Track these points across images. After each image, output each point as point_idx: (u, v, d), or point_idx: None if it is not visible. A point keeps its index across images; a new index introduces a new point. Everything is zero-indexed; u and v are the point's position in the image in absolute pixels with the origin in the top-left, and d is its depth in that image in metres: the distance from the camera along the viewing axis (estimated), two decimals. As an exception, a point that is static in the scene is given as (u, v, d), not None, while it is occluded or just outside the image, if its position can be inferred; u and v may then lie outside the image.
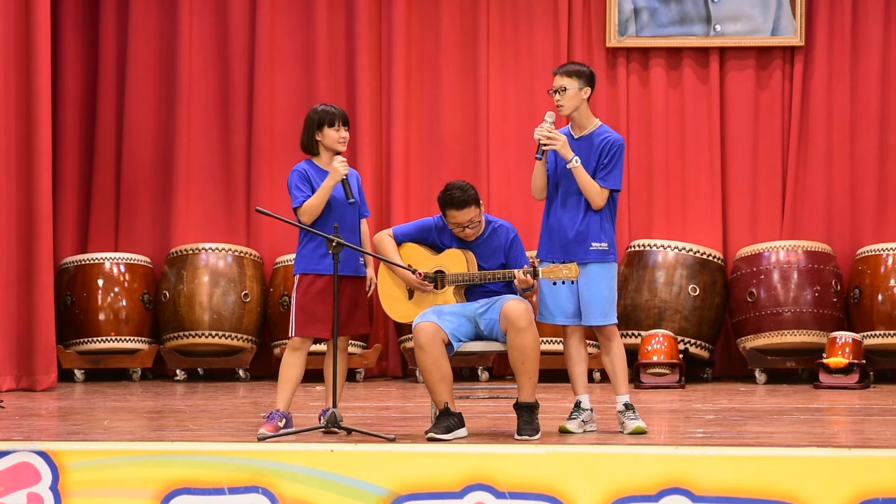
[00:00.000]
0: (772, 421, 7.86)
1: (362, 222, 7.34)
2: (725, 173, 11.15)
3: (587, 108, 7.18)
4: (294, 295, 7.20)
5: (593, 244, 7.09)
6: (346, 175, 7.09)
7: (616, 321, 7.21)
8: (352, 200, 7.10)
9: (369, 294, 7.35)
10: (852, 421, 8.11)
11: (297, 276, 7.21)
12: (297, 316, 7.15)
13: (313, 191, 7.10)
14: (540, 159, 7.11)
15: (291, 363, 7.17)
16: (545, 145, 7.05)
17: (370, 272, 7.32)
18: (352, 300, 7.21)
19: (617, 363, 7.21)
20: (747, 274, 10.56)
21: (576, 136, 7.16)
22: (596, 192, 7.07)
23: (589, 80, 7.14)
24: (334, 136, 7.15)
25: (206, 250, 10.85)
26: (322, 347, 7.43)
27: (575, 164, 7.04)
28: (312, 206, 7.08)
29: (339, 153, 7.16)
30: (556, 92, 7.12)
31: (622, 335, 9.17)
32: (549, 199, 7.20)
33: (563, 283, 6.99)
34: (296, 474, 5.98)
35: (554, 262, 6.98)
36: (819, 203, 11.00)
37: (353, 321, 7.23)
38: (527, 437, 6.82)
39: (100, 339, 10.74)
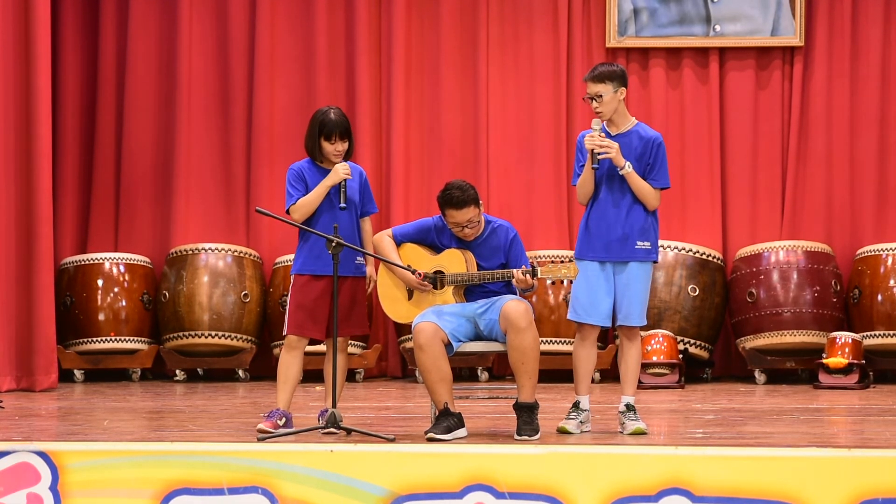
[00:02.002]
0: (771, 421, 7.86)
1: (366, 220, 7.35)
2: (725, 173, 11.15)
3: (624, 108, 7.15)
4: (289, 294, 7.24)
5: (638, 243, 7.09)
6: (346, 179, 7.10)
7: (646, 322, 7.22)
8: (343, 206, 7.10)
9: (369, 291, 7.35)
10: (852, 421, 8.11)
11: (292, 276, 7.25)
12: (290, 315, 7.18)
13: (307, 190, 7.13)
14: (597, 169, 7.07)
15: (288, 363, 7.19)
16: (600, 155, 7.03)
17: (370, 270, 7.32)
18: (349, 300, 7.21)
19: (631, 363, 7.21)
20: (747, 274, 10.56)
21: (613, 135, 7.15)
22: (651, 195, 7.08)
23: (622, 79, 7.10)
24: (329, 149, 7.17)
25: (205, 250, 10.85)
26: (322, 348, 7.44)
27: (628, 169, 7.02)
28: (306, 204, 7.11)
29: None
30: (591, 99, 7.09)
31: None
32: (591, 199, 7.19)
33: (563, 282, 6.98)
34: (295, 474, 5.98)
35: (553, 262, 6.98)
36: (819, 203, 11.00)
37: (351, 321, 7.22)
38: (526, 438, 6.82)
39: (99, 339, 10.74)
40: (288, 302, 7.25)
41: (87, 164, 11.40)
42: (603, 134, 7.06)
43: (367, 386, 10.44)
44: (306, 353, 7.29)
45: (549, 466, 5.92)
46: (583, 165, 7.13)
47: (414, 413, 8.32)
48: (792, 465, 5.83)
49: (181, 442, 6.49)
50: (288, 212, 7.19)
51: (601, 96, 7.06)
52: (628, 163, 7.04)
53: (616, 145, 7.03)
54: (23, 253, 9.93)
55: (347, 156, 7.23)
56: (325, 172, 7.18)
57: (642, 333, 10.29)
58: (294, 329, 7.17)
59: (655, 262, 7.21)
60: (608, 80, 7.07)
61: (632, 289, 7.11)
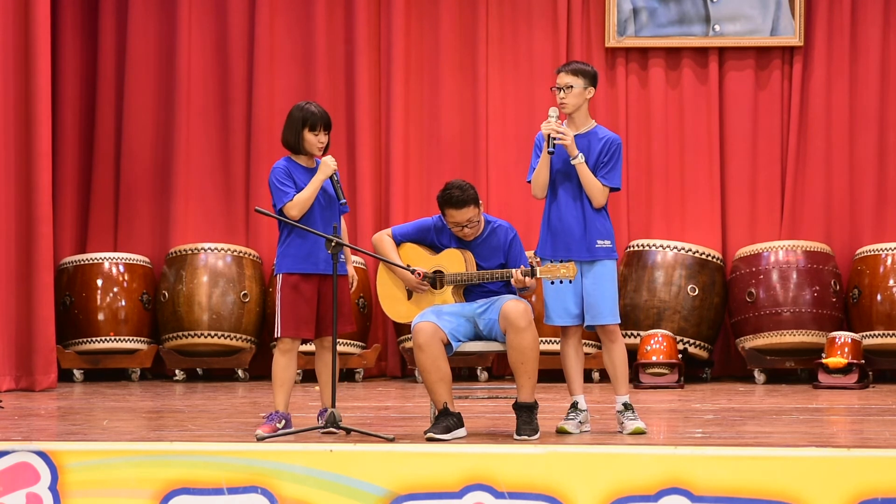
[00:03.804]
0: (771, 421, 7.86)
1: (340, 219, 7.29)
2: (724, 173, 11.15)
3: (587, 108, 7.21)
4: (278, 295, 7.12)
5: (598, 242, 7.10)
6: (336, 171, 7.09)
7: (620, 320, 7.22)
8: (343, 201, 7.08)
9: (352, 291, 7.34)
10: (851, 421, 8.11)
11: (279, 276, 7.11)
12: (283, 316, 7.07)
13: (296, 187, 7.07)
14: (553, 153, 7.10)
15: (284, 366, 7.11)
16: (556, 139, 7.06)
17: (351, 269, 7.28)
18: (339, 299, 7.14)
19: (618, 363, 7.21)
20: (746, 274, 10.56)
21: (573, 134, 7.17)
22: (598, 190, 7.09)
23: (593, 80, 7.17)
24: (313, 140, 7.11)
25: (205, 250, 10.85)
26: (311, 347, 7.40)
27: (580, 160, 7.06)
28: (303, 199, 7.00)
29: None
30: (560, 89, 7.14)
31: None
32: (549, 198, 7.20)
33: (561, 282, 6.99)
34: (295, 474, 5.98)
35: (552, 262, 6.99)
36: (818, 203, 11.01)
37: (341, 320, 7.16)
38: (526, 437, 6.82)
39: (99, 339, 10.74)
40: (277, 302, 7.14)
41: (86, 163, 11.40)
42: (559, 122, 7.11)
43: (367, 386, 10.44)
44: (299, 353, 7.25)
45: (549, 466, 5.92)
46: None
47: (413, 413, 8.32)
48: (791, 464, 5.83)
49: (181, 442, 6.48)
50: (281, 210, 7.04)
51: (571, 87, 7.11)
52: (581, 154, 7.07)
53: (571, 133, 7.08)
54: (22, 253, 9.93)
55: (324, 152, 7.20)
56: (307, 170, 7.11)
57: (642, 333, 10.40)
58: (290, 331, 7.07)
59: (616, 259, 7.22)
60: (581, 76, 7.13)
61: (598, 288, 7.11)
